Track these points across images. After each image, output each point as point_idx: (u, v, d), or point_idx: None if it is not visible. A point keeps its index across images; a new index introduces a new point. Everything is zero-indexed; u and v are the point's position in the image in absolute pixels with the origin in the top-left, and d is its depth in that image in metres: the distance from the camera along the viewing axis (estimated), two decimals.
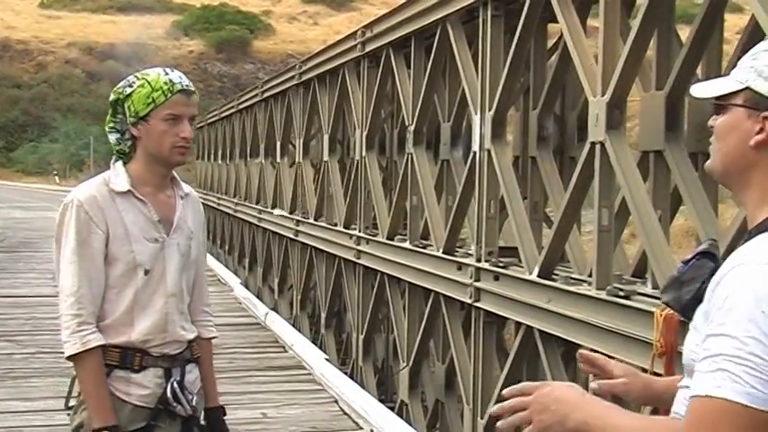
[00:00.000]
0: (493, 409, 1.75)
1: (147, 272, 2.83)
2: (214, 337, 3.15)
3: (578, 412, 1.62)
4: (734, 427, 1.39)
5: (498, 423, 1.73)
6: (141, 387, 2.84)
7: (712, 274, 1.58)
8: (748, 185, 1.57)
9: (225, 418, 3.16)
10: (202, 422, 3.04)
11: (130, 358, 2.83)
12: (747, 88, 1.56)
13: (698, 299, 1.62)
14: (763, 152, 1.54)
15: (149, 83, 2.82)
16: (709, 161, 1.64)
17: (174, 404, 2.85)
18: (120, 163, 2.89)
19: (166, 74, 2.84)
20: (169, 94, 2.81)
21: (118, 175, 2.86)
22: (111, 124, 2.90)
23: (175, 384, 2.86)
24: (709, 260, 1.73)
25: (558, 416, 1.63)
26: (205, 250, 3.18)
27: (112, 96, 2.89)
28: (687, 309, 1.72)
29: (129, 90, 2.84)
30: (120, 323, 2.83)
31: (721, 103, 1.59)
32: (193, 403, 2.92)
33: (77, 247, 2.76)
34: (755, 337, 1.40)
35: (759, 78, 1.54)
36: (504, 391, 1.73)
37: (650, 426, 1.60)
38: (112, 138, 2.90)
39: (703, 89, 1.64)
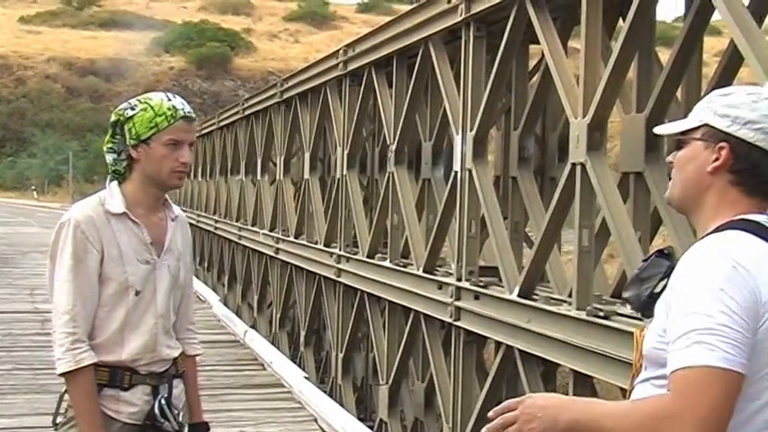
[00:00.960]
0: (482, 431, 1.81)
1: (137, 293, 2.87)
2: (199, 355, 3.20)
3: (566, 413, 1.73)
4: (716, 389, 1.59)
5: None
6: (130, 405, 2.88)
7: (667, 271, 1.86)
8: (702, 207, 1.83)
9: None
10: None
11: (120, 377, 2.87)
12: (705, 125, 1.83)
13: (653, 297, 1.85)
14: (717, 177, 1.81)
15: (153, 107, 2.86)
16: (668, 191, 1.90)
17: (162, 420, 2.89)
18: (115, 183, 2.92)
19: (169, 100, 2.89)
20: (172, 120, 2.85)
21: (113, 197, 2.89)
22: (110, 145, 2.93)
23: (163, 401, 2.90)
24: (665, 259, 1.94)
25: (548, 421, 1.74)
26: (193, 271, 3.24)
27: (113, 117, 2.92)
28: (645, 307, 1.91)
29: (131, 113, 2.87)
30: (110, 342, 2.86)
31: (683, 138, 1.86)
32: (180, 419, 2.95)
33: (74, 266, 2.79)
34: (721, 310, 1.62)
35: (715, 116, 1.82)
36: (490, 413, 1.82)
37: (638, 405, 1.71)
38: (109, 158, 2.93)
39: (667, 127, 1.92)
